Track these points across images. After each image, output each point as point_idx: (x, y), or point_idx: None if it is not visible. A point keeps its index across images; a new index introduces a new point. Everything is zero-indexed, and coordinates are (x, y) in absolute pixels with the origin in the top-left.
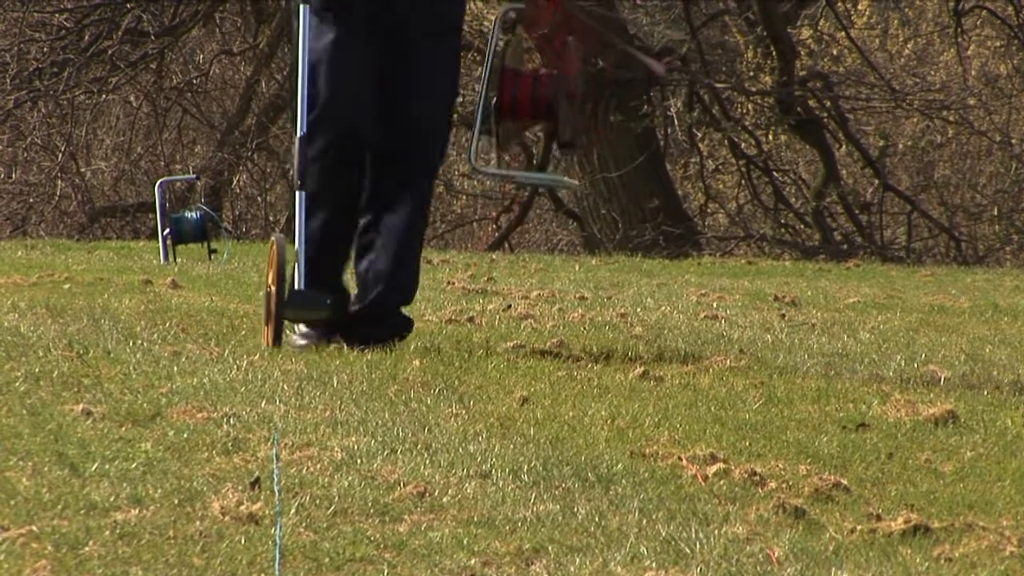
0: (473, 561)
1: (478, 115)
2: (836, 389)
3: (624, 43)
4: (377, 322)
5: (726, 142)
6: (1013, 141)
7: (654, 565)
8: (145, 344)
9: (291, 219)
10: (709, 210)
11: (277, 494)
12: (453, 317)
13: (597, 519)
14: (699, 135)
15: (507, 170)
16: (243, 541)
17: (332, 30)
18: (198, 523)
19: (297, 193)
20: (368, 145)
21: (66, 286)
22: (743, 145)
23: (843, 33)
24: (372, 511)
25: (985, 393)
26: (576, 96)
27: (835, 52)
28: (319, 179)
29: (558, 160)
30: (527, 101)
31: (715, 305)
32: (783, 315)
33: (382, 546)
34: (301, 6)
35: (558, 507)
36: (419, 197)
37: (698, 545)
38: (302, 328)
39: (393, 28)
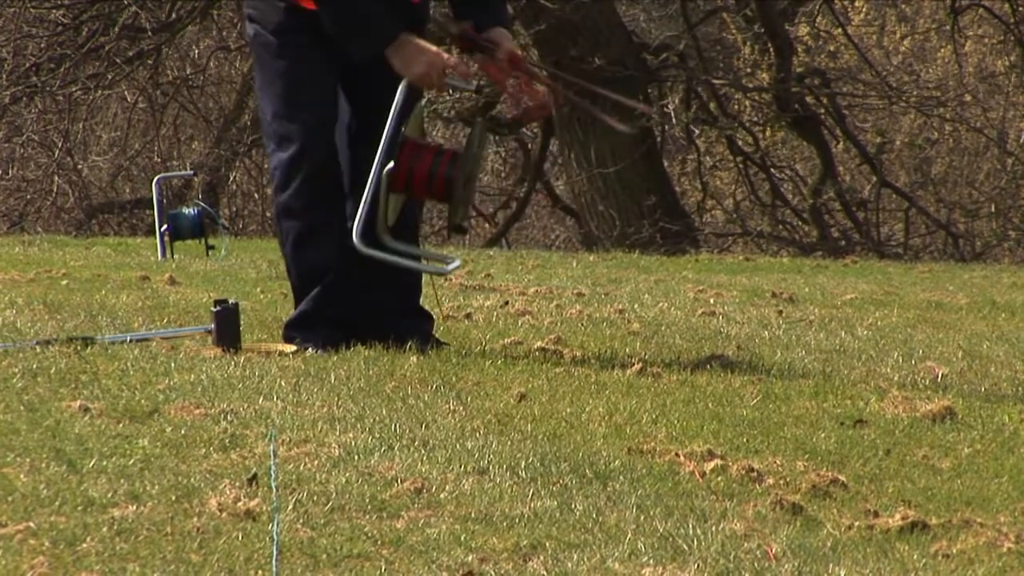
0: (471, 557)
1: (370, 185)
2: (834, 385)
3: (590, 103)
4: (382, 321)
5: (723, 139)
6: (1010, 138)
7: (652, 561)
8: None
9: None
10: (707, 207)
11: (274, 490)
12: (450, 314)
13: (595, 515)
14: (696, 132)
15: (386, 251)
16: (240, 537)
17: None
18: (195, 519)
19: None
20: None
21: (64, 282)
22: (740, 142)
23: (840, 30)
24: (369, 507)
25: (982, 389)
26: (474, 179)
27: (832, 49)
28: (311, 207)
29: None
30: (423, 178)
31: (712, 302)
32: (781, 311)
33: (379, 542)
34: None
35: (556, 503)
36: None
37: (695, 541)
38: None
39: None
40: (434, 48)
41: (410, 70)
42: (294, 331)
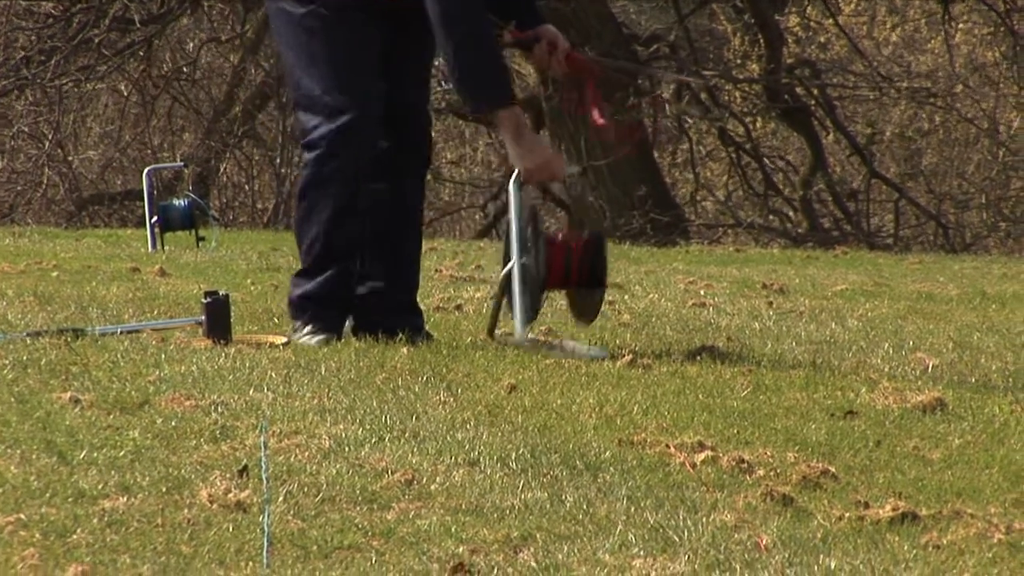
0: (461, 549)
1: (516, 287)
2: (824, 377)
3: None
4: (379, 322)
5: (715, 130)
6: (1000, 128)
7: (642, 553)
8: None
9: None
10: (698, 197)
11: (265, 482)
12: (441, 305)
13: (585, 507)
14: (688, 123)
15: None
16: (231, 529)
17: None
18: (186, 511)
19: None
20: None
21: (54, 274)
22: (732, 133)
23: (831, 20)
24: (360, 499)
25: (973, 380)
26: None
27: (823, 40)
28: (344, 189)
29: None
30: (585, 271)
31: (703, 293)
32: (771, 303)
33: (370, 534)
34: None
35: (546, 495)
36: (411, 194)
37: (686, 533)
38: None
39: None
40: (549, 147)
41: (523, 162)
42: (309, 303)
